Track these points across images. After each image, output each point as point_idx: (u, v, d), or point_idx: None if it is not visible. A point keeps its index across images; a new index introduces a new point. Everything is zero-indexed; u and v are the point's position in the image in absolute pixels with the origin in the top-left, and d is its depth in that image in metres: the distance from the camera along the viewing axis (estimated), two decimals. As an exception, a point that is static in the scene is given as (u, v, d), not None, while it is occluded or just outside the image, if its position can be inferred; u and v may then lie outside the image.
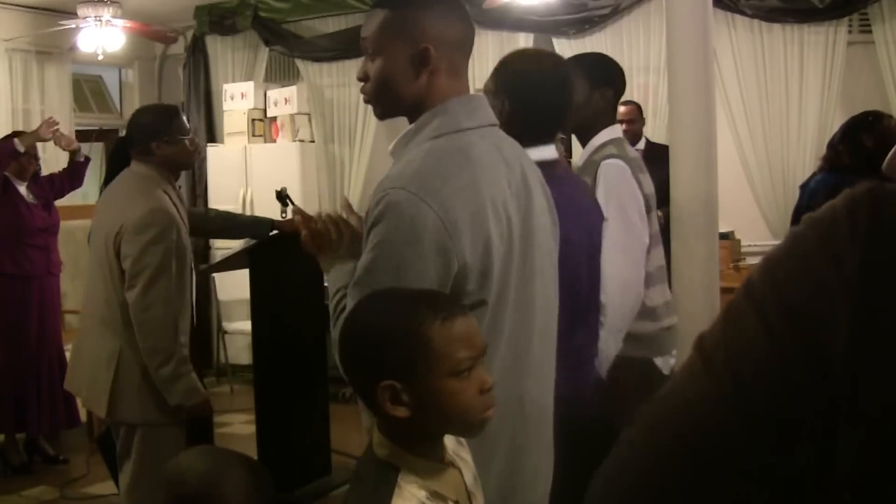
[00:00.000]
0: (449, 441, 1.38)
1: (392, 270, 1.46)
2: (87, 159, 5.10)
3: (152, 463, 3.03)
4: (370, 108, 1.71)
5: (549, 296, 1.70)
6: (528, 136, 2.00)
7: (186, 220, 3.09)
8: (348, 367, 1.35)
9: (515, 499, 1.59)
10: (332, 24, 6.61)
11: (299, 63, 6.75)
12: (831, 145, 3.82)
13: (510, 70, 2.15)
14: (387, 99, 1.64)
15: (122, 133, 3.93)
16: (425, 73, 1.58)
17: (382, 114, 1.68)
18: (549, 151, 2.11)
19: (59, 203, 5.12)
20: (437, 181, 1.49)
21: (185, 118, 3.21)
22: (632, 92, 5.58)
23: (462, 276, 1.50)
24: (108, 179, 3.73)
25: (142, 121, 3.12)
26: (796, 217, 3.97)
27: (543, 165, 1.84)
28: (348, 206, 1.76)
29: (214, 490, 1.64)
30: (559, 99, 2.14)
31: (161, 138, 3.03)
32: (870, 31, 5.11)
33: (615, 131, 2.54)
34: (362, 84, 1.66)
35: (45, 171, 5.13)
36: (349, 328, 1.35)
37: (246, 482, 1.66)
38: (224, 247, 5.95)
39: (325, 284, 1.69)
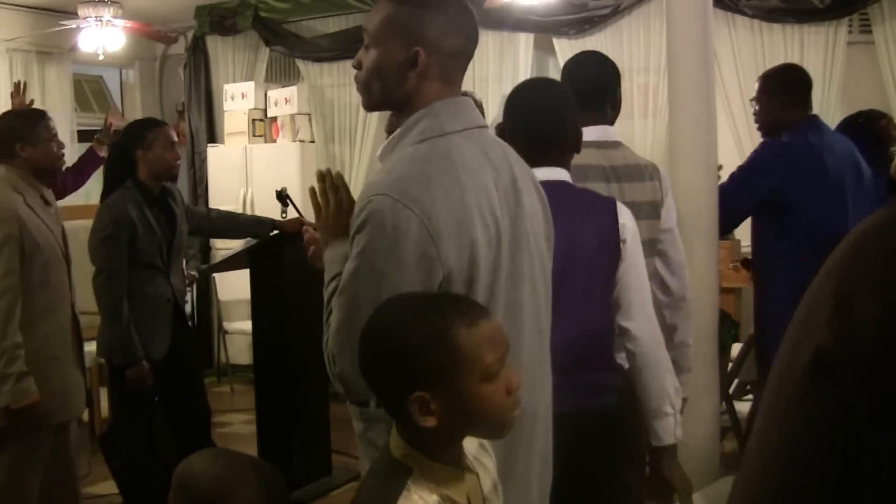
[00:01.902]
0: (471, 446, 1.36)
1: (374, 278, 1.46)
2: (102, 159, 5.11)
3: (11, 470, 2.95)
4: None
5: (538, 301, 1.67)
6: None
7: (51, 224, 3.09)
8: (372, 378, 1.32)
9: (508, 501, 1.58)
10: (332, 24, 6.62)
11: (300, 63, 6.76)
12: None
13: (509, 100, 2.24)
14: (374, 91, 1.64)
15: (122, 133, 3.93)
16: (413, 75, 1.58)
17: (368, 105, 1.68)
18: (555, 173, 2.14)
19: (61, 203, 5.10)
20: (420, 187, 1.49)
21: (52, 123, 3.21)
22: (632, 92, 5.59)
23: (447, 283, 1.48)
24: (106, 184, 3.75)
25: (7, 124, 3.17)
26: None
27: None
28: (340, 178, 1.72)
29: (227, 494, 1.64)
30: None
31: (24, 140, 3.08)
32: (870, 31, 5.11)
33: (591, 133, 2.43)
34: (356, 72, 1.66)
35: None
36: (371, 339, 1.31)
37: (258, 486, 1.66)
38: (225, 247, 5.96)
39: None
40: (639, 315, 2.15)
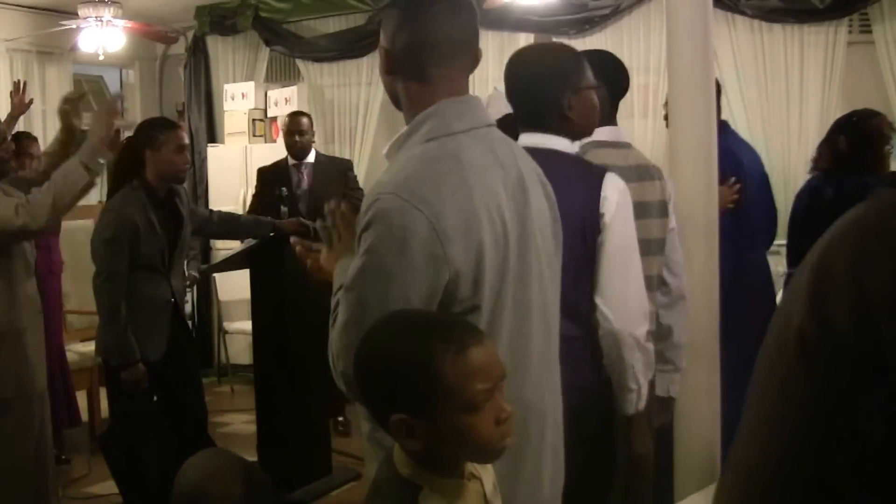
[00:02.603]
0: None
1: (381, 278, 1.45)
2: None
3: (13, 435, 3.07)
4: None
5: (546, 298, 1.67)
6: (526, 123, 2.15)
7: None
8: (363, 395, 1.33)
9: (518, 500, 1.58)
10: (332, 25, 6.62)
11: (300, 63, 6.76)
12: (819, 146, 3.87)
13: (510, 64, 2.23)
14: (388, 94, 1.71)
15: (126, 135, 3.91)
16: (387, 75, 1.64)
17: (394, 105, 1.73)
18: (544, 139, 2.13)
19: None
20: (429, 187, 1.48)
21: None
22: (632, 92, 5.58)
23: (454, 283, 1.48)
24: (111, 184, 3.74)
25: None
26: (793, 221, 3.98)
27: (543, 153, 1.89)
28: (340, 201, 1.75)
29: (202, 495, 1.66)
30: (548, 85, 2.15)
31: None
32: (870, 31, 5.11)
33: (603, 133, 2.44)
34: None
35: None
36: (361, 356, 1.31)
37: (237, 489, 1.67)
38: (225, 247, 5.96)
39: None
40: (607, 291, 2.10)
